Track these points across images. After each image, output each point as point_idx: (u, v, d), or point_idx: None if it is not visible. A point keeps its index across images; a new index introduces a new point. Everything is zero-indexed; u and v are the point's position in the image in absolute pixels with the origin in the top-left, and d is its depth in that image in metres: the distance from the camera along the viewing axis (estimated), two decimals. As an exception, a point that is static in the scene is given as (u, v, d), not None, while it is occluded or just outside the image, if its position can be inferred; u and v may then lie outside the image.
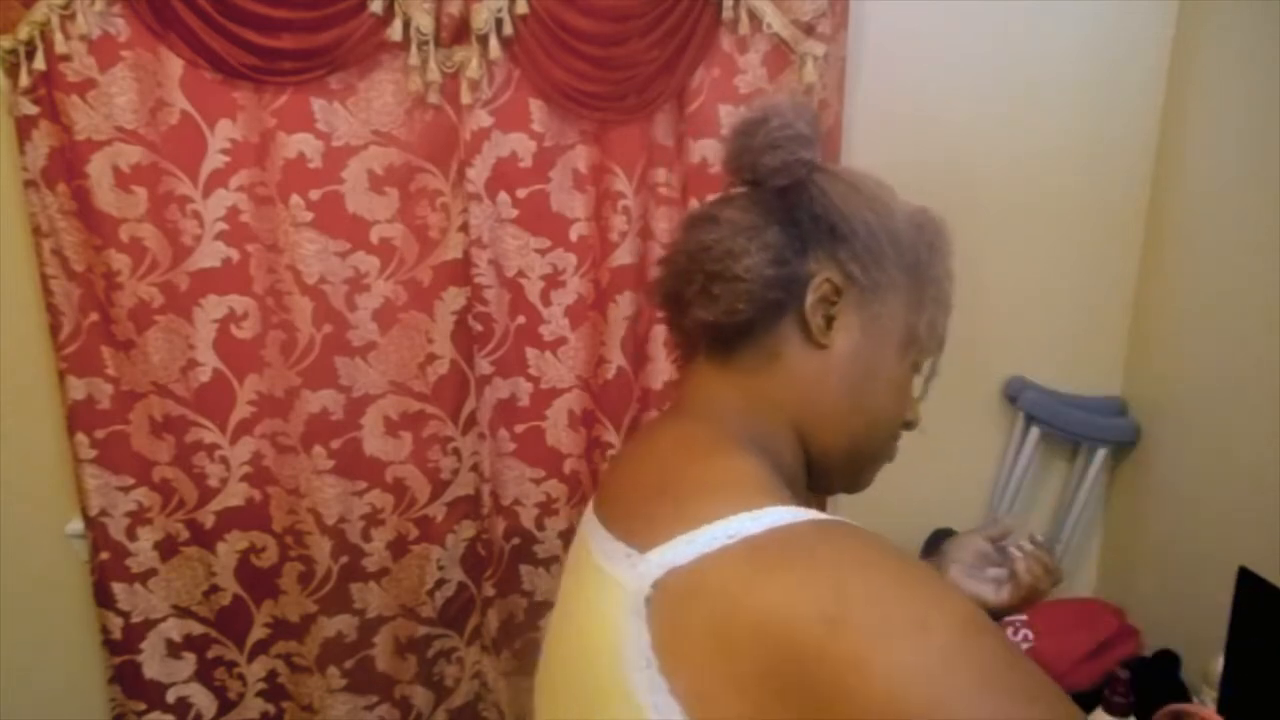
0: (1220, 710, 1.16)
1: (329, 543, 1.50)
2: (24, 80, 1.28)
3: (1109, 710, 1.23)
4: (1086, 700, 1.31)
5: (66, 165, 1.33)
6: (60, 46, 1.27)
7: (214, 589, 1.53)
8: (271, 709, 1.60)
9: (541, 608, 1.61)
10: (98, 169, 1.33)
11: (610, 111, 1.40)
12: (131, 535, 1.49)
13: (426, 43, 1.34)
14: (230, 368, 1.45)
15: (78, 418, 1.42)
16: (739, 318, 0.68)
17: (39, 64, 1.28)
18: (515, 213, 1.44)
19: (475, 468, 1.54)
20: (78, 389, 1.42)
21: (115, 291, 1.38)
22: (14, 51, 1.27)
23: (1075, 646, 1.46)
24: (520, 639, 1.62)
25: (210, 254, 1.40)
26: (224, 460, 1.48)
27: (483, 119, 1.38)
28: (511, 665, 1.62)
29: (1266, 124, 1.32)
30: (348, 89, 1.37)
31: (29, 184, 1.34)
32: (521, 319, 1.50)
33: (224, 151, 1.37)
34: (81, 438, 1.43)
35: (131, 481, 1.47)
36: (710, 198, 0.76)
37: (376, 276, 1.45)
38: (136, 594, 1.50)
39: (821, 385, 0.69)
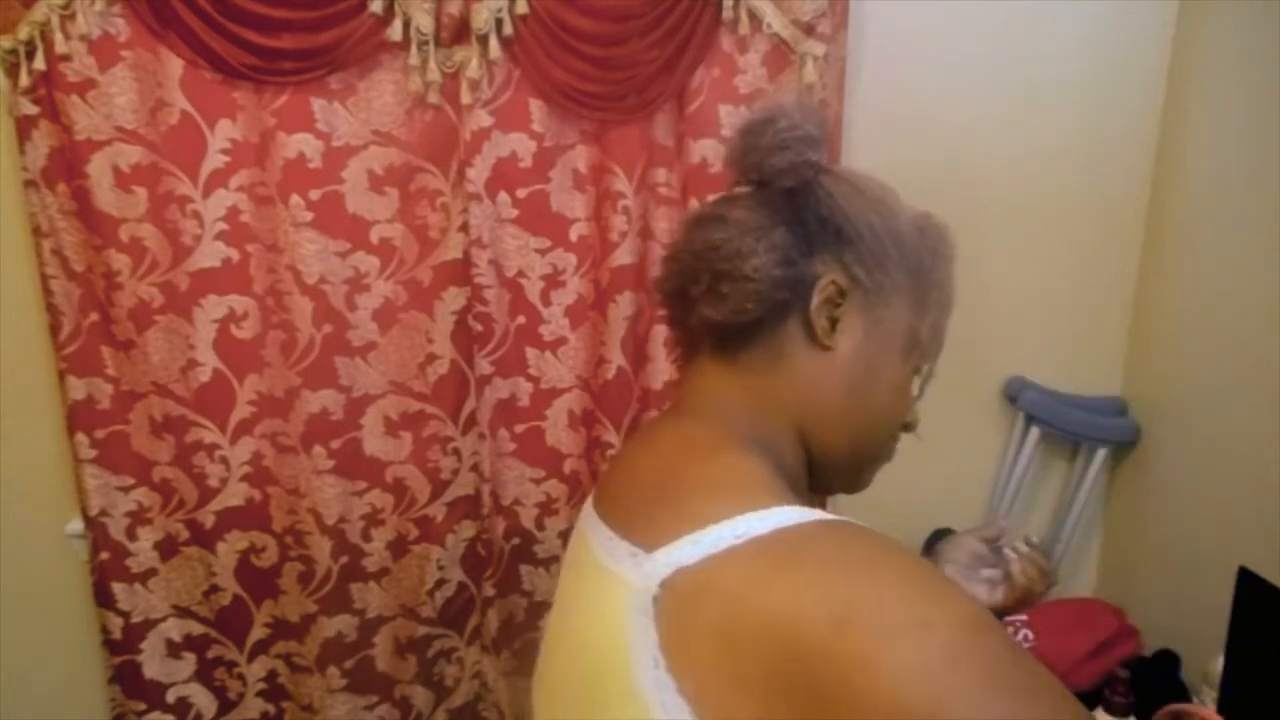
0: (1220, 710, 1.16)
1: (329, 543, 1.50)
2: (24, 80, 1.28)
3: (1109, 710, 1.24)
4: (1086, 700, 1.31)
5: (66, 165, 1.33)
6: (60, 46, 1.27)
7: (214, 589, 1.53)
8: (271, 709, 1.60)
9: (541, 608, 1.61)
10: (98, 169, 1.33)
11: (610, 111, 1.40)
12: (131, 535, 1.48)
13: (426, 43, 1.34)
14: (230, 368, 1.45)
15: (78, 418, 1.42)
16: (746, 317, 0.68)
17: (39, 64, 1.28)
18: (515, 213, 1.44)
19: (475, 468, 1.54)
20: (78, 389, 1.41)
21: (115, 291, 1.38)
22: (14, 51, 1.27)
23: (1075, 646, 1.46)
24: (520, 639, 1.62)
25: (210, 254, 1.40)
26: (224, 460, 1.48)
27: (483, 119, 1.38)
28: (511, 665, 1.62)
29: (1266, 124, 1.32)
30: (348, 89, 1.37)
31: (29, 184, 1.34)
32: (521, 319, 1.50)
33: (224, 151, 1.37)
34: (81, 438, 1.43)
35: (131, 481, 1.47)
36: (714, 196, 0.76)
37: (376, 276, 1.45)
38: (136, 594, 1.50)
39: (824, 386, 0.69)
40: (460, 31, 1.35)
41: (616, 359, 1.49)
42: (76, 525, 1.49)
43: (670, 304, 0.74)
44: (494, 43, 1.34)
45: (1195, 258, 1.49)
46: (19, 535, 1.53)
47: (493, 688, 1.64)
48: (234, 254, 1.41)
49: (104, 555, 1.47)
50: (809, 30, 1.38)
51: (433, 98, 1.38)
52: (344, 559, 1.52)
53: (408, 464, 1.52)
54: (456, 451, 1.54)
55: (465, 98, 1.37)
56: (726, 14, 1.37)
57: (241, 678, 1.58)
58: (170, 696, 1.56)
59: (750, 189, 0.72)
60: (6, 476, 1.51)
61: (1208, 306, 1.46)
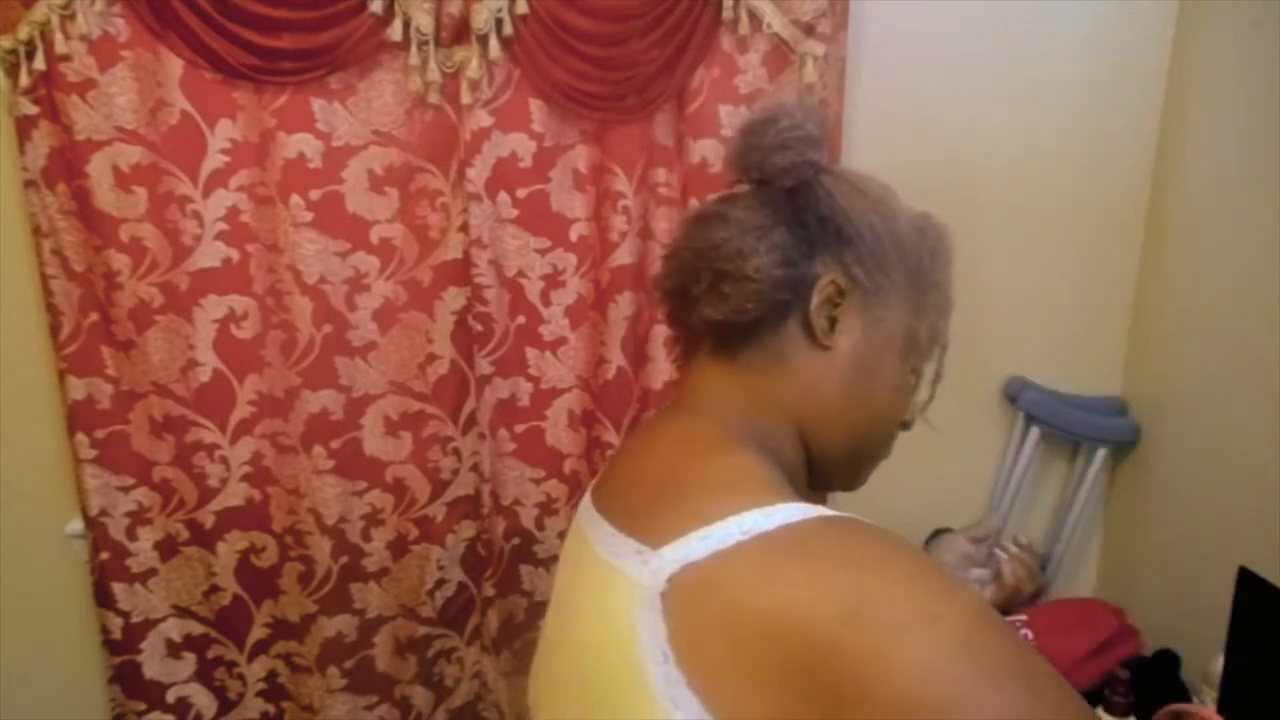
0: (1220, 710, 1.16)
1: (329, 543, 1.50)
2: (24, 80, 1.28)
3: (1109, 710, 1.24)
4: (1086, 700, 1.31)
5: (66, 165, 1.33)
6: (60, 46, 1.27)
7: (214, 589, 1.53)
8: (271, 709, 1.61)
9: (541, 607, 1.60)
10: (98, 169, 1.33)
11: (610, 111, 1.40)
12: (131, 535, 1.49)
13: (426, 43, 1.34)
14: (230, 368, 1.45)
15: (78, 418, 1.42)
16: (746, 317, 0.68)
17: (39, 64, 1.28)
18: (515, 213, 1.44)
19: (475, 468, 1.54)
20: (78, 389, 1.42)
21: (115, 291, 1.38)
22: (14, 51, 1.27)
23: (1075, 646, 1.46)
24: (520, 639, 1.62)
25: (210, 254, 1.40)
26: (224, 460, 1.48)
27: (483, 119, 1.38)
28: (511, 665, 1.62)
29: (1266, 124, 1.32)
30: (348, 89, 1.37)
31: (29, 184, 1.34)
32: (521, 319, 1.50)
33: (224, 151, 1.37)
34: (81, 438, 1.43)
35: (131, 481, 1.47)
36: (715, 195, 0.76)
37: (376, 276, 1.45)
38: (136, 594, 1.50)
39: (823, 386, 0.69)
40: (460, 31, 1.35)
41: (616, 359, 1.49)
42: (76, 525, 1.49)
43: (670, 302, 0.75)
44: (494, 43, 1.34)
45: (1195, 258, 1.49)
46: (19, 535, 1.53)
47: (493, 688, 1.64)
48: (234, 254, 1.41)
49: (104, 555, 1.47)
50: (809, 30, 1.38)
51: (433, 98, 1.38)
52: (344, 559, 1.52)
53: (408, 464, 1.52)
54: (456, 451, 1.54)
55: (465, 98, 1.37)
56: (726, 14, 1.37)
57: (241, 678, 1.58)
58: (170, 696, 1.56)
59: (751, 188, 0.72)
60: (6, 476, 1.51)
61: (1208, 306, 1.46)
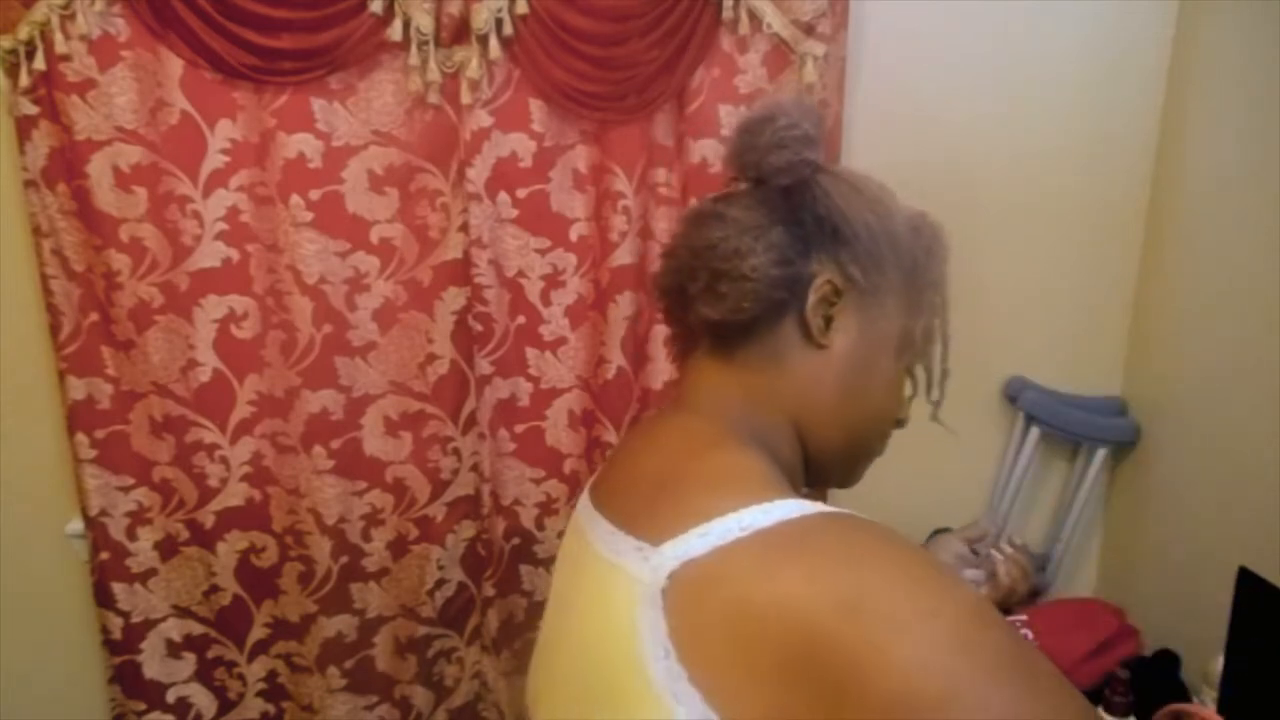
0: (1220, 710, 1.16)
1: (329, 543, 1.50)
2: (24, 80, 1.28)
3: (1109, 710, 1.24)
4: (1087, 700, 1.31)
5: (66, 165, 1.33)
6: (60, 46, 1.27)
7: (214, 589, 1.53)
8: (271, 709, 1.61)
9: (541, 607, 1.59)
10: (98, 169, 1.33)
11: (610, 111, 1.40)
12: (131, 535, 1.49)
13: (426, 43, 1.34)
14: (230, 368, 1.45)
15: (78, 418, 1.42)
16: (743, 316, 0.68)
17: (39, 64, 1.28)
18: (515, 213, 1.44)
19: (475, 468, 1.54)
20: (78, 389, 1.42)
21: (115, 291, 1.38)
22: (14, 51, 1.27)
23: (1075, 646, 1.46)
24: (520, 639, 1.62)
25: (210, 254, 1.40)
26: (224, 460, 1.48)
27: (483, 119, 1.38)
28: (511, 665, 1.62)
29: (1266, 124, 1.32)
30: (348, 89, 1.37)
31: (29, 184, 1.34)
32: (521, 319, 1.50)
33: (224, 151, 1.37)
34: (81, 438, 1.43)
35: (131, 481, 1.47)
36: (713, 194, 0.76)
37: (376, 276, 1.45)
38: (136, 594, 1.50)
39: (819, 384, 0.70)
40: (460, 31, 1.35)
41: (616, 359, 1.49)
42: (76, 525, 1.49)
43: (667, 300, 0.75)
44: (494, 43, 1.34)
45: (1195, 258, 1.49)
46: (19, 535, 1.53)
47: (493, 688, 1.64)
48: (234, 254, 1.41)
49: (104, 555, 1.47)
50: (809, 30, 1.38)
51: (433, 98, 1.38)
52: (344, 559, 1.52)
53: (408, 464, 1.52)
54: (456, 451, 1.54)
55: (465, 98, 1.37)
56: (726, 14, 1.37)
57: (241, 678, 1.58)
58: (170, 696, 1.56)
59: (748, 186, 0.72)
60: (6, 476, 1.51)
61: (1208, 306, 1.46)
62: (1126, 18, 1.52)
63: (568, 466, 1.56)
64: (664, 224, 1.46)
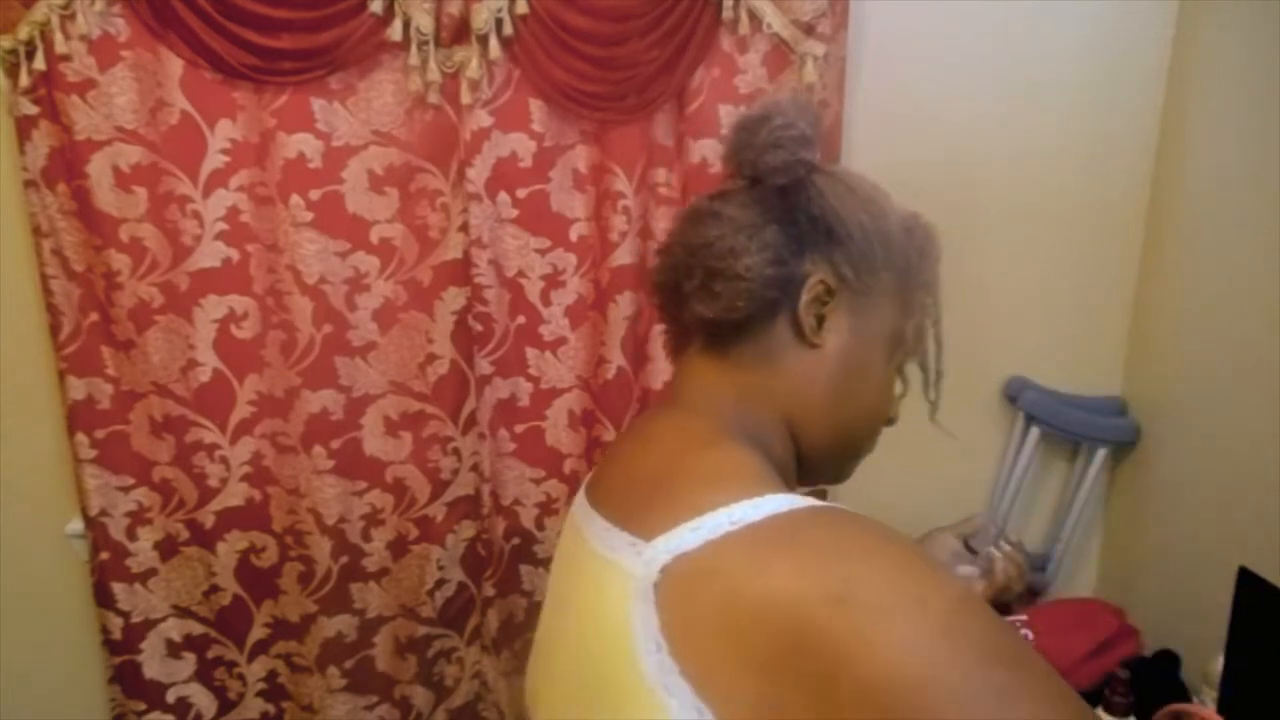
0: (1220, 710, 1.16)
1: (329, 543, 1.50)
2: (24, 80, 1.28)
3: (1109, 710, 1.23)
4: (1087, 700, 1.30)
5: (66, 165, 1.33)
6: (60, 46, 1.27)
7: (214, 589, 1.53)
8: (271, 709, 1.61)
9: (541, 607, 1.61)
10: (98, 169, 1.33)
11: (610, 111, 1.40)
12: (131, 535, 1.49)
13: (426, 43, 1.34)
14: (230, 368, 1.45)
15: (78, 418, 1.42)
16: (737, 315, 0.69)
17: (39, 64, 1.28)
18: (515, 213, 1.44)
19: (475, 468, 1.54)
20: (78, 389, 1.42)
21: (115, 291, 1.38)
22: (14, 51, 1.27)
23: (1075, 646, 1.46)
24: (520, 639, 1.62)
25: (210, 254, 1.40)
26: (224, 460, 1.48)
27: (483, 119, 1.38)
28: (511, 665, 1.62)
29: (1266, 124, 1.32)
30: (348, 89, 1.37)
31: (29, 184, 1.34)
32: (521, 319, 1.50)
33: (224, 151, 1.37)
34: (81, 438, 1.43)
35: (131, 481, 1.47)
36: (708, 192, 0.76)
37: (376, 276, 1.45)
38: (136, 594, 1.50)
39: (811, 383, 0.70)
40: (460, 31, 1.35)
41: (616, 359, 1.49)
42: (76, 525, 1.49)
43: (662, 297, 0.76)
44: (494, 43, 1.34)
45: (1195, 258, 1.49)
46: (19, 535, 1.53)
47: (493, 688, 1.64)
48: (234, 254, 1.41)
49: (104, 555, 1.47)
50: (809, 30, 1.38)
51: (433, 98, 1.38)
52: (344, 559, 1.52)
53: (408, 464, 1.52)
54: (456, 451, 1.54)
55: (465, 98, 1.37)
56: (726, 14, 1.37)
57: (241, 678, 1.58)
58: (170, 696, 1.56)
59: (744, 185, 0.72)
60: (6, 476, 1.51)
61: (1208, 306, 1.46)
62: (1126, 18, 1.52)
63: (568, 466, 1.56)
64: (664, 224, 1.46)
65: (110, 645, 1.51)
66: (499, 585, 1.59)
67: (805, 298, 0.68)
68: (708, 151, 1.42)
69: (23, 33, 1.27)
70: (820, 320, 0.69)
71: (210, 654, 1.57)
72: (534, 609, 1.61)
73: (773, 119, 0.69)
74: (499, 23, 1.33)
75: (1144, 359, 1.62)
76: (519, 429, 1.55)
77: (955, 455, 1.62)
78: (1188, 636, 1.46)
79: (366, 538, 1.53)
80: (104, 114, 1.31)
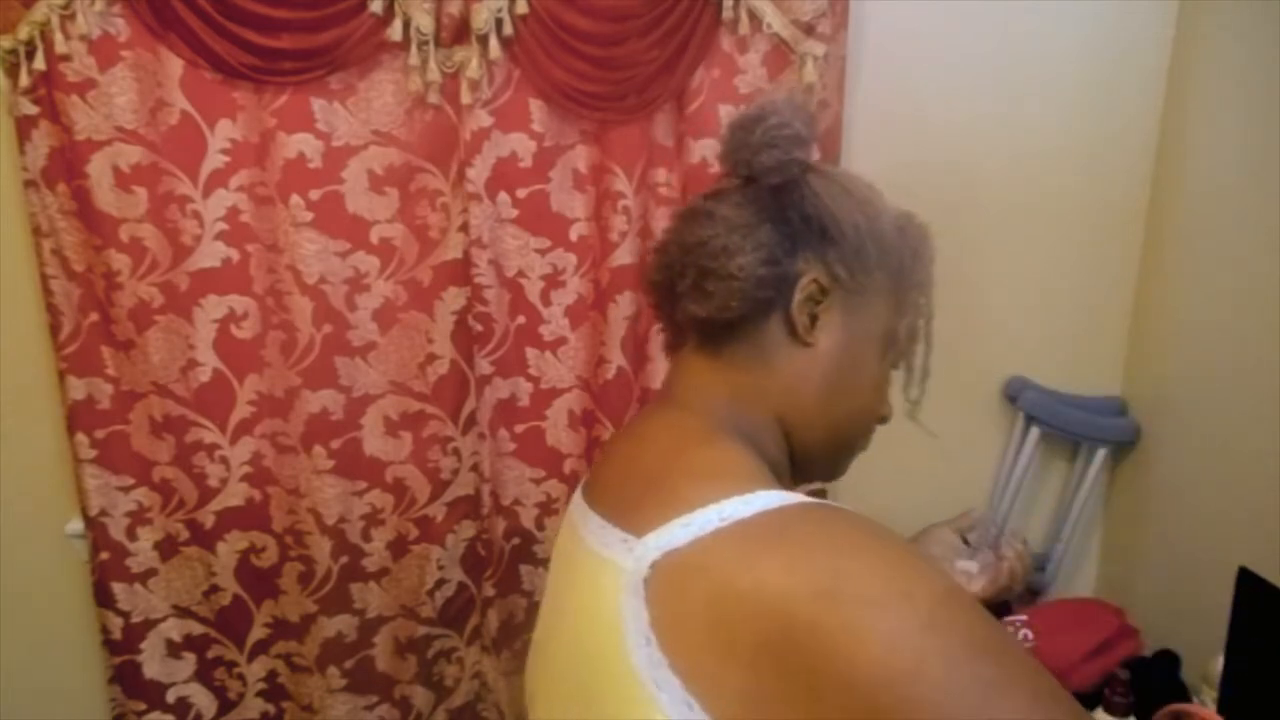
0: (1220, 710, 1.16)
1: (329, 543, 1.50)
2: (24, 80, 1.28)
3: (1109, 710, 1.24)
4: (1087, 700, 1.31)
5: (66, 165, 1.33)
6: (60, 46, 1.27)
7: (214, 589, 1.53)
8: (271, 709, 1.60)
9: (540, 607, 1.61)
10: (98, 169, 1.33)
11: (610, 111, 1.40)
12: (131, 535, 1.48)
13: (426, 43, 1.34)
14: (230, 368, 1.45)
15: (78, 418, 1.42)
16: (730, 314, 0.69)
17: (39, 64, 1.28)
18: (515, 213, 1.44)
19: (475, 468, 1.54)
20: (78, 389, 1.42)
21: (115, 291, 1.38)
22: (14, 51, 1.27)
23: (1075, 646, 1.46)
24: (520, 639, 1.62)
25: (210, 254, 1.40)
26: (224, 460, 1.48)
27: (483, 119, 1.38)
28: (511, 665, 1.62)
29: (1266, 124, 1.32)
30: (348, 89, 1.37)
31: (29, 184, 1.34)
32: (521, 319, 1.50)
33: (224, 151, 1.37)
34: (81, 438, 1.43)
35: (131, 481, 1.47)
36: (703, 191, 0.76)
37: (376, 276, 1.45)
38: (136, 594, 1.50)
39: (805, 381, 0.71)
40: (460, 31, 1.35)
41: (616, 359, 1.49)
42: (76, 525, 1.49)
43: (656, 295, 0.76)
44: (494, 43, 1.34)
45: (1195, 258, 1.49)
46: (19, 535, 1.53)
47: (493, 688, 1.64)
48: (234, 254, 1.41)
49: (104, 555, 1.47)
50: (809, 30, 1.38)
51: (433, 98, 1.38)
52: (344, 559, 1.52)
53: (408, 464, 1.52)
54: (456, 451, 1.54)
55: (465, 98, 1.37)
56: (726, 14, 1.37)
57: (241, 678, 1.58)
58: (170, 696, 1.56)
59: (739, 184, 0.73)
60: (6, 476, 1.51)
61: (1208, 306, 1.46)
62: (1126, 18, 1.52)
63: (568, 466, 1.56)
64: (664, 224, 1.46)
65: (110, 645, 1.51)
66: (499, 585, 1.59)
67: (798, 297, 0.68)
68: (708, 151, 1.42)
69: (23, 33, 1.27)
70: (813, 319, 0.70)
71: (210, 654, 1.56)
72: (534, 609, 1.61)
73: (767, 118, 0.70)
74: (499, 23, 1.33)
75: (1144, 359, 1.62)
76: (519, 429, 1.55)
77: (955, 455, 1.63)
78: (1188, 636, 1.46)
79: (366, 538, 1.53)
80: (104, 114, 1.31)
